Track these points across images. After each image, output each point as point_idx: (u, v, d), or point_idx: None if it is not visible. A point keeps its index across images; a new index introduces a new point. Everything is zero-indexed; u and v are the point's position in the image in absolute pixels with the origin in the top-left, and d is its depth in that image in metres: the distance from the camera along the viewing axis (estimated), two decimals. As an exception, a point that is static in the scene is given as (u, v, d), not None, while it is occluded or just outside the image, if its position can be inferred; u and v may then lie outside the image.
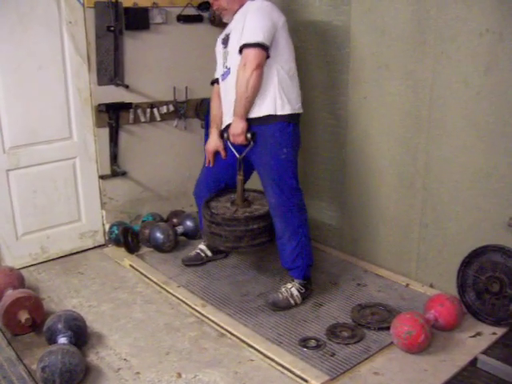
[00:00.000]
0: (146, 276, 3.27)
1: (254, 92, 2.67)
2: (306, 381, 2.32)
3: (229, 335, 2.69)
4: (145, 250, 3.60)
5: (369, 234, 3.34)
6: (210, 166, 3.12)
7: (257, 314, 2.84)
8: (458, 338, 2.61)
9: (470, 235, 2.82)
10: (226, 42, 2.86)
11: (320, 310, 2.87)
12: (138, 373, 2.43)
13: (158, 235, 3.52)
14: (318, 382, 2.29)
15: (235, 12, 2.83)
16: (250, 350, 2.57)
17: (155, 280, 3.20)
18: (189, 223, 3.73)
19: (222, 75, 2.90)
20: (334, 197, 3.50)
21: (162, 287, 3.14)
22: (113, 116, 3.56)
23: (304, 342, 2.58)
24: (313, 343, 2.56)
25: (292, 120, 2.78)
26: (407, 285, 3.11)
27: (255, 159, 2.86)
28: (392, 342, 2.55)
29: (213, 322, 2.79)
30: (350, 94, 3.21)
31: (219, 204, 3.06)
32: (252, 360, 2.51)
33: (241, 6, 2.81)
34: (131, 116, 3.64)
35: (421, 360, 2.46)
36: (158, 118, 3.76)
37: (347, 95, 3.23)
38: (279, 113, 2.73)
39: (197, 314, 2.88)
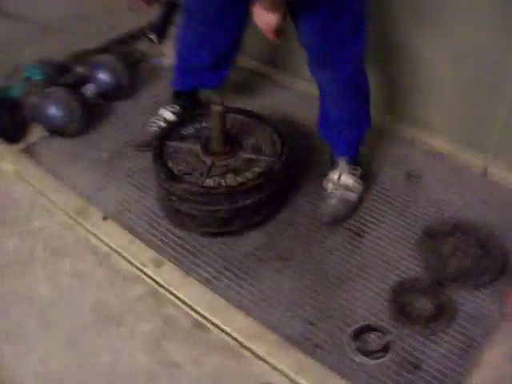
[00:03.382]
0: (45, 195, 1.87)
1: None
2: None
3: (212, 326, 1.48)
4: (37, 133, 2.12)
5: (418, 81, 1.98)
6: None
7: (256, 272, 1.59)
8: None
9: None
10: None
11: (361, 251, 1.65)
12: None
13: (55, 112, 2.02)
14: None
15: None
16: (260, 361, 1.39)
17: (63, 206, 1.82)
18: (104, 75, 2.21)
19: None
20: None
21: (76, 220, 1.78)
22: None
23: (357, 338, 1.41)
24: (374, 342, 1.40)
25: None
26: (485, 170, 1.90)
27: None
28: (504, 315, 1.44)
29: (178, 297, 1.54)
30: None
31: (183, 147, 1.70)
32: (269, 387, 1.36)
33: None
34: None
35: None
36: None
37: None
38: None
39: (145, 276, 1.61)
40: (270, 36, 1.43)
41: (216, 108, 1.58)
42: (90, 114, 2.12)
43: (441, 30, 1.77)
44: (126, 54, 2.39)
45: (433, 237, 1.64)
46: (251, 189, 1.58)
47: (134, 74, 2.30)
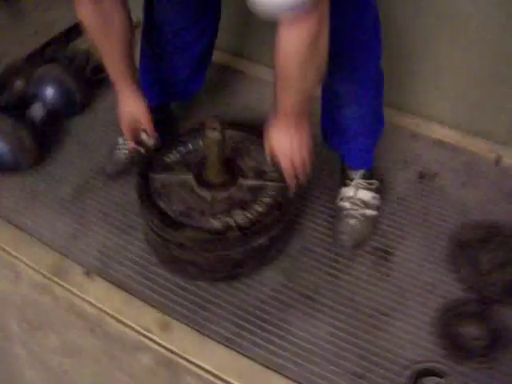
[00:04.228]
0: (7, 251, 1.56)
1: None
2: None
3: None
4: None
5: (411, 65, 1.78)
6: None
7: (283, 320, 1.36)
8: None
9: None
10: None
11: (391, 276, 1.45)
12: None
13: (1, 146, 1.68)
14: None
15: None
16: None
17: (32, 264, 1.52)
18: (51, 89, 1.88)
19: None
20: None
21: (52, 279, 1.48)
22: None
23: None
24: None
25: None
26: (498, 159, 1.74)
27: None
28: None
29: (198, 365, 1.30)
30: None
31: (173, 180, 1.42)
32: None
33: None
34: None
35: None
36: None
37: None
38: None
39: (152, 342, 1.36)
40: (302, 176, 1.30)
41: (212, 135, 1.31)
42: (43, 140, 1.79)
43: (452, 15, 1.56)
44: (70, 58, 2.05)
45: (467, 247, 1.48)
46: (265, 226, 1.34)
47: (84, 83, 1.97)
